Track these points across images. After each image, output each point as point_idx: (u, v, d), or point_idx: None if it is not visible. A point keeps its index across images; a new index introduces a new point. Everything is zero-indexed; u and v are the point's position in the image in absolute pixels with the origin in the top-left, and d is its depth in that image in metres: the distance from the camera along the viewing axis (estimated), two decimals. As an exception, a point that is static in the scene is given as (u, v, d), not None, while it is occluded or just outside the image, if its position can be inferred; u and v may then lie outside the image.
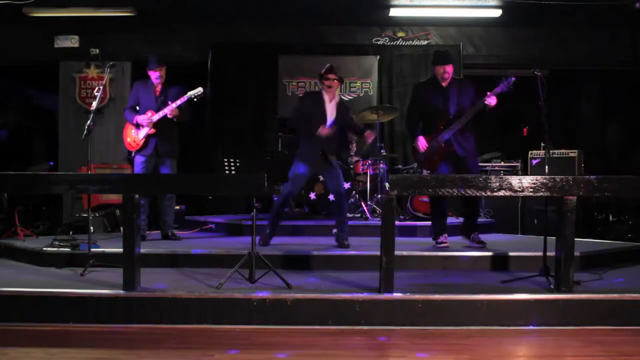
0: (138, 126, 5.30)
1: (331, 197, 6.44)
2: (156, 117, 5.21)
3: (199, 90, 5.17)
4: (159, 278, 4.06)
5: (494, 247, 4.93)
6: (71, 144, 7.75)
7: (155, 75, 5.32)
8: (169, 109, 5.16)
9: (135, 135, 5.31)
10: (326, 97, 5.13)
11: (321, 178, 6.47)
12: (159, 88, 5.36)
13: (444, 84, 5.05)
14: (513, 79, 4.75)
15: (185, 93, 5.18)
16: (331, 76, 5.06)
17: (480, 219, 6.68)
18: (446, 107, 4.99)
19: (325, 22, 7.84)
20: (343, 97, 7.93)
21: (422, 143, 5.02)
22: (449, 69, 5.03)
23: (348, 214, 6.68)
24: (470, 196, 4.74)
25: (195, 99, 5.18)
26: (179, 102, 5.16)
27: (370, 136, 5.40)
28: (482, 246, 4.99)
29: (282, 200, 5.17)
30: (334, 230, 5.33)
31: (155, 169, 5.38)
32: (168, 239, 5.45)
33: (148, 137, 5.28)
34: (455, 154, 4.99)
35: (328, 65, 5.18)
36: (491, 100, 4.82)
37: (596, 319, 3.52)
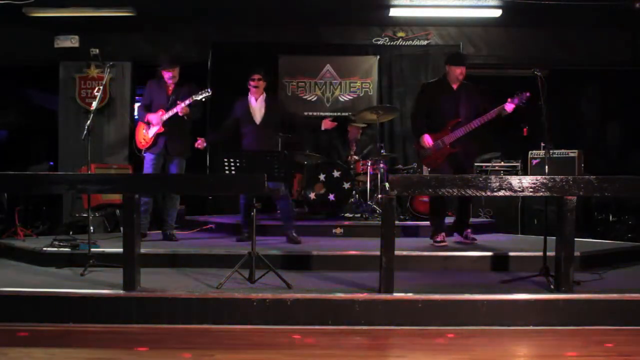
0: (149, 124, 5.35)
1: (331, 196, 6.46)
2: (166, 116, 5.27)
3: (207, 91, 5.24)
4: (159, 278, 4.06)
5: (494, 247, 4.93)
6: (71, 144, 7.74)
7: (168, 75, 5.37)
8: (179, 108, 5.21)
9: (146, 134, 5.37)
10: (251, 97, 5.43)
11: (321, 177, 6.47)
12: (171, 87, 5.41)
13: (454, 86, 5.10)
14: (528, 94, 4.75)
15: (196, 91, 5.24)
16: (256, 77, 5.39)
17: (480, 219, 6.71)
18: (456, 109, 5.04)
19: (325, 22, 7.84)
20: (343, 97, 7.95)
21: (428, 141, 5.05)
22: (465, 71, 5.08)
23: (348, 214, 6.72)
24: (462, 196, 4.77)
25: (203, 99, 5.25)
26: (187, 101, 5.21)
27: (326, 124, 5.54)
28: (473, 242, 5.15)
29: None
30: (334, 231, 5.34)
31: (164, 167, 5.42)
32: (167, 239, 5.45)
33: (157, 135, 5.32)
34: (457, 155, 5.07)
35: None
36: (509, 107, 4.87)
37: (596, 319, 3.52)
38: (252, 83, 5.42)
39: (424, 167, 6.63)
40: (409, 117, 7.75)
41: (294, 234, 5.32)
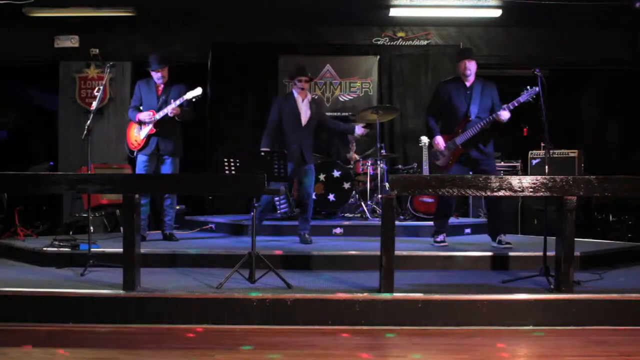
0: (140, 125, 5.32)
1: (331, 196, 6.46)
2: (158, 116, 5.23)
3: (198, 90, 5.16)
4: (159, 278, 4.06)
5: (495, 247, 4.93)
6: (71, 144, 7.75)
7: (157, 76, 5.33)
8: (170, 108, 5.16)
9: (137, 135, 5.34)
10: (298, 97, 5.41)
11: (321, 177, 6.47)
12: (160, 88, 5.37)
13: (467, 83, 5.00)
14: (537, 89, 4.54)
15: (186, 91, 5.18)
16: (303, 78, 5.35)
17: (480, 219, 6.70)
18: (467, 108, 4.97)
19: (325, 22, 7.84)
20: (343, 97, 7.96)
21: (440, 142, 5.02)
22: (470, 65, 4.96)
23: (348, 214, 6.73)
24: (490, 197, 4.66)
25: (194, 99, 5.18)
26: (178, 101, 5.17)
27: (359, 130, 5.60)
28: (509, 248, 4.86)
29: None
30: (334, 231, 5.34)
31: (156, 168, 5.39)
32: (167, 239, 5.45)
33: (149, 136, 5.29)
34: (469, 156, 5.00)
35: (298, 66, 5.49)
36: (503, 116, 4.79)
37: (596, 319, 3.52)
38: (298, 84, 5.36)
39: (425, 168, 6.64)
40: (409, 117, 7.87)
41: (307, 235, 5.32)
